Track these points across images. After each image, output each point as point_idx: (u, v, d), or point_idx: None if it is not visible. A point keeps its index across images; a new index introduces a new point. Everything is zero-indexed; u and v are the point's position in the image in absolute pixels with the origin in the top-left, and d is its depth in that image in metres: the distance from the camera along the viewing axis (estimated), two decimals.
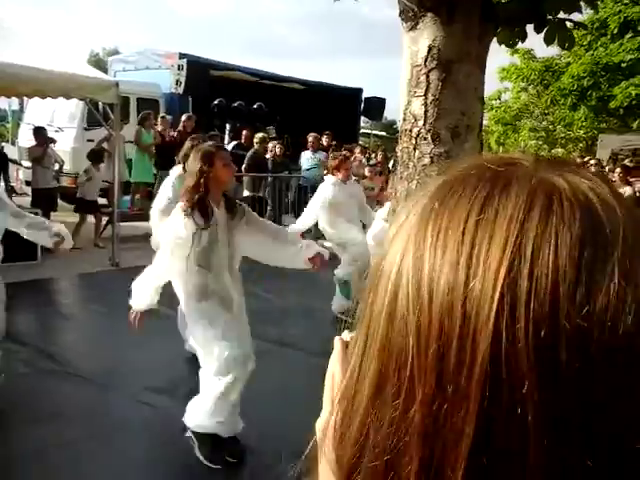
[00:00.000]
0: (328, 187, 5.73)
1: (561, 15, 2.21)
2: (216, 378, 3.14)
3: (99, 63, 24.92)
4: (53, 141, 8.73)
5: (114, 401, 3.85)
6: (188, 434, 3.25)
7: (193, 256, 3.10)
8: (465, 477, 0.34)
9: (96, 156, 8.71)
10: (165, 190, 4.74)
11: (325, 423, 0.50)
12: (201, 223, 3.07)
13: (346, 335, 0.53)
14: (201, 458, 3.20)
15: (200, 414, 3.18)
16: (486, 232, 0.36)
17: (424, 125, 2.12)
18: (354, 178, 10.34)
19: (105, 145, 9.22)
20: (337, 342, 0.53)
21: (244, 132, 10.53)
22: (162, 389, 4.03)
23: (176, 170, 4.84)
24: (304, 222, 5.82)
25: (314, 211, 5.74)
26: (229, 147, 9.74)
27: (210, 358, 3.14)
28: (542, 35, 2.34)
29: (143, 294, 3.15)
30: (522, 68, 17.18)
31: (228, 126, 10.96)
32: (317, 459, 0.51)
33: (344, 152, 7.10)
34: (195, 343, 3.30)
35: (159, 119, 10.08)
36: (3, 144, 12.98)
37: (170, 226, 3.16)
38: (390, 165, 10.85)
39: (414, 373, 0.36)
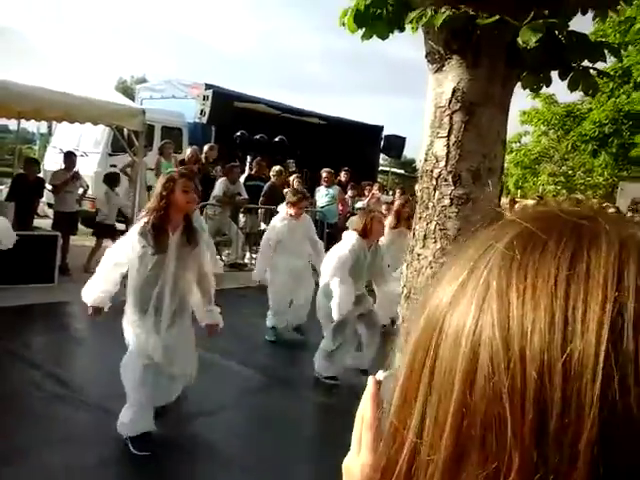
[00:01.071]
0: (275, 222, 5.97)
1: (585, 63, 2.22)
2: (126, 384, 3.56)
3: (127, 91, 25.54)
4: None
5: (110, 427, 3.80)
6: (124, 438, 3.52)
7: (141, 273, 3.42)
8: None
9: (111, 179, 8.83)
10: None
11: (355, 464, 0.50)
12: (152, 247, 3.39)
13: (380, 375, 0.53)
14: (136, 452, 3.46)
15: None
16: (580, 288, 0.34)
17: (445, 166, 2.12)
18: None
19: (128, 171, 9.36)
20: (370, 381, 0.52)
21: (254, 162, 10.63)
22: (165, 419, 3.98)
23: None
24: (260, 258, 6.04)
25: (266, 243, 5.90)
26: (242, 178, 9.84)
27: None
28: (565, 81, 2.35)
29: (92, 292, 3.54)
30: (543, 112, 17.25)
31: (249, 158, 11.09)
32: None
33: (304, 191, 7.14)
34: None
35: (187, 150, 10.23)
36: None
37: (125, 240, 3.51)
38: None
39: (508, 441, 0.33)
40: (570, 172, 18.53)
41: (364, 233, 4.86)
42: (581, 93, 2.40)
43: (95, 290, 3.53)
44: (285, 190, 10.29)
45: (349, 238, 4.92)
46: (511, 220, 0.41)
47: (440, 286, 0.41)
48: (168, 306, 3.51)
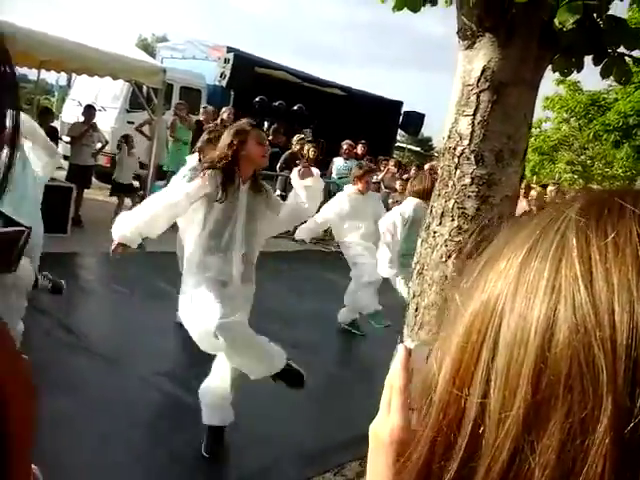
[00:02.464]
0: (344, 197, 5.59)
1: (621, 49, 2.17)
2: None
3: (147, 49, 25.26)
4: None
5: (121, 379, 3.89)
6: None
7: (206, 227, 3.03)
8: None
9: (125, 141, 8.84)
10: (176, 182, 4.46)
11: (383, 428, 0.51)
12: (221, 193, 3.00)
13: (410, 344, 0.54)
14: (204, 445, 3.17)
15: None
16: None
17: (469, 145, 2.10)
18: (385, 190, 10.33)
19: (145, 129, 9.34)
20: (400, 349, 0.54)
21: (271, 129, 10.55)
22: (171, 373, 4.06)
23: (192, 160, 4.73)
24: (314, 224, 5.51)
25: (327, 218, 5.54)
26: None
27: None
28: (592, 68, 2.31)
29: (125, 226, 3.03)
30: (567, 99, 16.97)
31: (266, 124, 11.02)
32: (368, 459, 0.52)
33: (370, 164, 6.80)
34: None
35: (201, 109, 10.16)
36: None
37: (184, 184, 3.15)
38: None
39: (600, 387, 0.33)
40: (589, 162, 18.30)
41: (426, 195, 4.63)
42: (607, 82, 2.36)
43: (129, 225, 3.02)
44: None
45: (410, 203, 4.86)
46: (578, 193, 0.41)
47: (500, 258, 0.41)
48: (237, 268, 3.12)
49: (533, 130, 18.55)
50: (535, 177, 18.72)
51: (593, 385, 0.34)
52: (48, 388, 3.52)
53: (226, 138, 3.15)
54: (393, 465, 0.49)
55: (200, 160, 4.50)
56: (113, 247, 3.05)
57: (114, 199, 8.77)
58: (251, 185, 3.17)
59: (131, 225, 3.01)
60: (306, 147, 10.63)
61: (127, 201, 8.72)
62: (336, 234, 5.63)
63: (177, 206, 3.02)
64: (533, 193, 8.33)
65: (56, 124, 11.72)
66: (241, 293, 3.16)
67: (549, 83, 15.70)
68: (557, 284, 0.36)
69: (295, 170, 3.36)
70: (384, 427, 0.51)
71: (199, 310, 2.97)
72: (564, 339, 0.35)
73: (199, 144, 4.75)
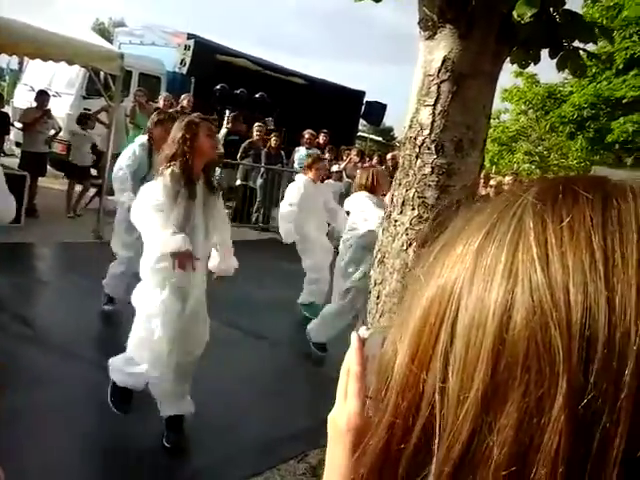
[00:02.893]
0: (300, 184, 5.66)
1: (576, 43, 2.23)
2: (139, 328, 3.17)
3: (103, 33, 24.58)
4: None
5: (79, 369, 3.82)
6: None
7: (172, 222, 3.02)
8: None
9: (82, 120, 8.62)
10: (123, 158, 4.63)
11: (341, 415, 0.52)
12: (184, 192, 3.03)
13: (362, 331, 0.55)
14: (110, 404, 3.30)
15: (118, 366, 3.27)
16: (615, 231, 0.36)
17: (429, 135, 2.13)
18: (346, 180, 10.37)
19: (101, 116, 9.11)
20: (354, 338, 0.54)
21: (231, 116, 10.43)
22: None
23: (140, 139, 4.78)
24: (285, 222, 5.61)
25: (290, 209, 5.58)
26: (221, 134, 9.70)
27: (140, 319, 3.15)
28: (549, 61, 2.36)
29: (169, 239, 2.96)
30: (525, 91, 17.32)
31: (227, 112, 10.90)
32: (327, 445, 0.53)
33: (319, 154, 6.85)
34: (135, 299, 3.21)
35: (160, 96, 9.97)
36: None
37: (146, 192, 3.09)
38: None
39: (556, 367, 0.34)
40: (545, 152, 18.76)
41: (372, 188, 4.79)
42: (563, 75, 2.43)
43: (171, 236, 2.96)
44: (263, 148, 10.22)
45: (358, 198, 4.86)
46: (532, 181, 0.42)
47: (456, 244, 0.41)
48: (201, 259, 3.16)
49: (492, 121, 18.86)
50: (494, 167, 19.08)
51: (550, 365, 0.35)
52: (7, 382, 3.44)
53: (176, 132, 3.15)
54: (351, 452, 0.50)
55: (149, 140, 4.48)
56: (179, 265, 2.96)
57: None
58: (204, 180, 3.22)
59: (170, 235, 2.95)
60: (271, 136, 10.57)
61: (77, 188, 8.51)
62: (295, 225, 5.62)
63: (162, 208, 3.02)
64: (492, 183, 8.50)
65: (7, 110, 11.35)
66: (199, 287, 3.21)
67: (507, 75, 16.02)
68: (514, 267, 0.37)
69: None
70: (341, 414, 0.52)
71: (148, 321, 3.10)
72: (521, 320, 0.36)
73: (148, 125, 4.73)
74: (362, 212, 4.70)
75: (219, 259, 3.41)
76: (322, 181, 6.23)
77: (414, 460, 0.40)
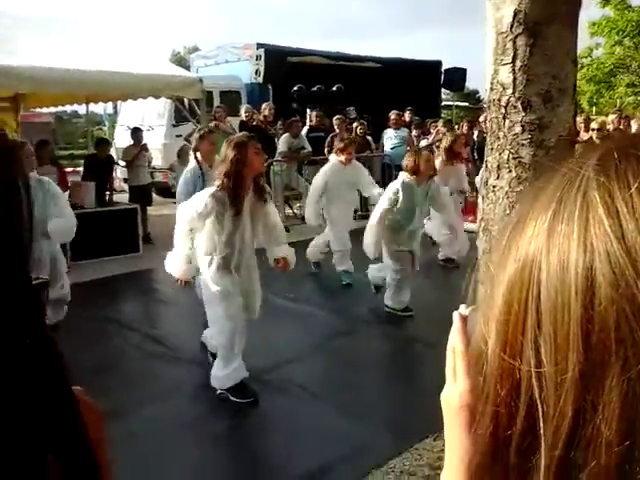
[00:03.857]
0: (322, 170, 6.12)
1: None
2: (219, 340, 3.75)
3: (181, 61, 25.80)
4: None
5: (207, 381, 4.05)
6: (218, 393, 3.74)
7: (220, 235, 3.55)
8: None
9: (182, 153, 9.06)
10: (182, 187, 4.71)
11: (453, 394, 0.53)
12: (231, 210, 3.50)
13: (463, 310, 0.55)
14: (239, 401, 3.69)
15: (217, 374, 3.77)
16: None
17: (513, 93, 2.05)
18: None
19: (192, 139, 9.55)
20: (456, 317, 0.55)
21: (313, 114, 10.54)
22: (266, 369, 4.18)
23: (190, 164, 4.88)
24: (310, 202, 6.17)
25: (316, 186, 6.08)
26: (303, 132, 9.82)
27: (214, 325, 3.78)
28: None
29: (176, 264, 3.69)
30: (616, 20, 15.98)
31: (309, 110, 11.04)
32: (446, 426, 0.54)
33: (350, 137, 7.17)
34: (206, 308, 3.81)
35: (242, 109, 10.29)
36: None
37: (196, 199, 3.57)
38: (475, 135, 10.50)
39: None
40: None
41: (414, 171, 5.10)
42: None
43: (179, 262, 3.68)
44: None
45: (399, 178, 5.22)
46: (592, 146, 0.41)
47: (526, 225, 0.41)
48: (246, 260, 3.72)
49: (584, 60, 17.59)
50: (594, 108, 17.81)
51: None
52: (144, 398, 3.74)
53: (228, 152, 3.54)
54: (467, 429, 0.50)
55: (196, 158, 4.64)
56: (177, 284, 3.81)
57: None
58: (254, 191, 3.64)
59: (179, 262, 3.68)
60: (354, 125, 10.57)
61: None
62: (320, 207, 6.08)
63: (193, 226, 3.60)
64: (594, 125, 7.95)
65: (111, 151, 12.25)
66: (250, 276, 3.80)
67: (593, 8, 14.85)
68: (588, 243, 0.36)
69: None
70: (453, 394, 0.53)
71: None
72: (606, 295, 0.35)
73: (193, 143, 4.88)
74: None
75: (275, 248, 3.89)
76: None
77: (523, 445, 0.40)
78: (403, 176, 5.15)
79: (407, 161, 5.18)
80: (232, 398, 3.71)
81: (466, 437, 0.50)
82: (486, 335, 0.43)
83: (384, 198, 5.14)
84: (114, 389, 3.96)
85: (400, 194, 5.04)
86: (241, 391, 3.72)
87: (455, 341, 0.54)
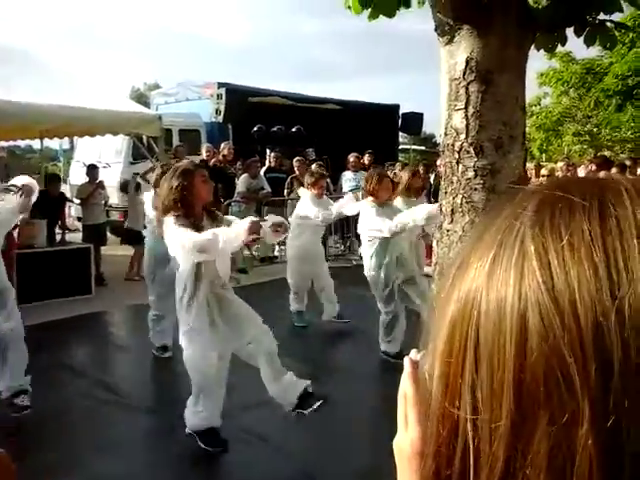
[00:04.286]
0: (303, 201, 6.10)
1: (601, 16, 2.15)
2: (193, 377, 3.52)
3: (141, 98, 25.76)
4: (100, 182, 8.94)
5: (172, 430, 3.88)
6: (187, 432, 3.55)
7: (191, 264, 3.33)
8: None
9: (125, 186, 8.97)
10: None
11: (404, 441, 0.52)
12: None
13: (414, 354, 0.55)
14: (202, 446, 3.48)
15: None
16: (616, 240, 0.35)
17: (466, 138, 2.09)
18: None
19: (148, 177, 9.45)
20: (407, 362, 0.54)
21: (272, 154, 10.63)
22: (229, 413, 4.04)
23: (148, 196, 5.00)
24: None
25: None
26: (262, 172, 9.86)
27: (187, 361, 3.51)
28: (581, 37, 2.28)
29: (221, 236, 3.20)
30: (562, 72, 16.83)
31: (268, 151, 11.11)
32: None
33: (319, 171, 7.19)
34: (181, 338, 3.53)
35: (202, 148, 10.27)
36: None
37: (175, 230, 3.29)
38: (431, 179, 10.74)
39: (575, 392, 0.34)
40: (595, 130, 18.07)
41: (373, 193, 5.05)
42: (600, 47, 2.33)
43: (218, 235, 3.22)
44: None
45: (362, 204, 5.24)
46: (531, 191, 0.42)
47: (468, 266, 0.41)
48: (219, 288, 3.50)
49: (534, 108, 18.40)
50: (544, 155, 18.53)
51: (569, 390, 0.34)
52: (92, 449, 3.54)
53: (173, 181, 3.34)
54: (419, 477, 0.50)
55: (156, 193, 4.58)
56: (248, 237, 3.31)
57: (132, 253, 8.81)
58: (207, 217, 3.45)
59: (217, 235, 3.20)
60: (312, 167, 10.67)
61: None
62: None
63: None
64: (544, 172, 8.25)
65: (65, 188, 11.97)
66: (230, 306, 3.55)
67: (542, 58, 15.60)
68: (523, 291, 0.37)
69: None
70: (405, 440, 0.52)
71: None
72: (537, 346, 0.36)
73: (154, 178, 4.92)
74: (370, 226, 4.99)
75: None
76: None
77: None
78: (364, 202, 5.12)
79: (365, 186, 5.19)
80: (199, 443, 3.51)
81: None
82: (431, 374, 0.43)
83: (383, 226, 4.84)
84: (59, 440, 3.74)
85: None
86: (210, 437, 3.52)
87: (406, 387, 0.54)
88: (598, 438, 0.33)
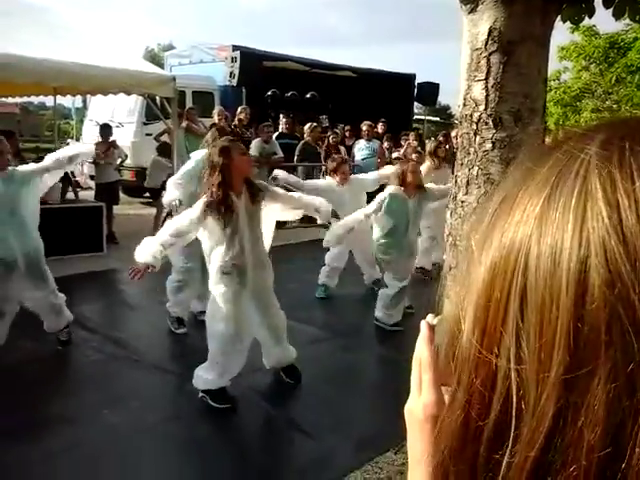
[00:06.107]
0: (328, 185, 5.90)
1: None
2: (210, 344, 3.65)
3: (155, 58, 25.48)
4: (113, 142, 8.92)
5: (179, 387, 3.98)
6: (200, 395, 3.68)
7: (219, 242, 3.51)
8: None
9: (164, 149, 8.95)
10: (186, 166, 4.83)
11: (417, 406, 0.51)
12: (222, 220, 3.46)
13: (431, 319, 0.54)
14: (216, 405, 3.62)
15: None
16: None
17: (485, 110, 2.07)
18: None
19: (166, 138, 9.42)
20: (423, 326, 0.53)
21: (284, 120, 10.52)
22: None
23: (201, 153, 4.88)
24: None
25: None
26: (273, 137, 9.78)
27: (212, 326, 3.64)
28: (609, 10, 2.23)
29: (148, 250, 3.41)
30: (584, 46, 16.43)
31: (282, 116, 11.03)
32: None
33: (340, 156, 7.04)
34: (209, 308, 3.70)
35: (215, 111, 10.19)
36: (69, 140, 13.54)
37: (192, 213, 3.48)
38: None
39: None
40: (615, 106, 17.70)
41: (401, 183, 5.07)
42: (625, 22, 2.29)
43: (150, 250, 3.42)
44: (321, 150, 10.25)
45: (387, 189, 5.15)
46: (585, 130, 0.38)
47: (514, 207, 0.38)
48: (250, 266, 3.62)
49: (552, 82, 18.03)
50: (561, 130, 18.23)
51: (637, 339, 0.31)
52: (101, 403, 3.64)
53: (214, 158, 3.51)
54: (432, 440, 0.48)
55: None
56: (135, 269, 3.38)
57: (144, 212, 8.88)
58: (247, 193, 3.58)
59: (151, 250, 3.41)
60: (328, 135, 10.58)
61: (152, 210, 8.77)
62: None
63: (184, 236, 3.50)
64: None
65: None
66: (260, 283, 3.71)
67: (564, 32, 15.22)
68: (584, 236, 0.34)
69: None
70: (417, 405, 0.51)
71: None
72: (599, 294, 0.33)
73: (206, 139, 4.97)
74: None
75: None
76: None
77: (495, 439, 0.37)
78: (389, 189, 5.08)
79: (394, 175, 5.13)
80: (211, 402, 3.65)
81: (431, 447, 0.48)
82: (461, 317, 0.40)
83: (371, 204, 5.07)
84: (70, 393, 3.85)
85: (385, 203, 4.95)
86: (220, 396, 3.66)
87: (421, 351, 0.52)
88: None
